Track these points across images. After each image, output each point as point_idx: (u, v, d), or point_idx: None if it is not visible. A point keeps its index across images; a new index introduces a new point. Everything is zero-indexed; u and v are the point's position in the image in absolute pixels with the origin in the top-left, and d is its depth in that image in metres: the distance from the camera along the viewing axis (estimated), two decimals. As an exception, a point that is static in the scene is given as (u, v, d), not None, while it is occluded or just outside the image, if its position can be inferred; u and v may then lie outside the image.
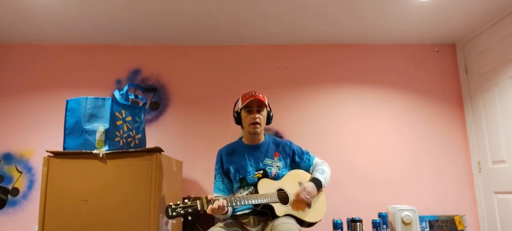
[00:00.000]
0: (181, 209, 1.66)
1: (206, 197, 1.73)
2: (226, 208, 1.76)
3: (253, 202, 1.83)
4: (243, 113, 2.04)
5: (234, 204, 1.78)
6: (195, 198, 1.73)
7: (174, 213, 1.65)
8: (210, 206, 1.70)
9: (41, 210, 2.04)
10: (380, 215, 2.37)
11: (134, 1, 2.47)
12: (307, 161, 2.13)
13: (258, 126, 2.00)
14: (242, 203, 1.80)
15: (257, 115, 2.00)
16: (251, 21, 2.77)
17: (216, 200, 1.73)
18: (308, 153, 2.16)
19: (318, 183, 1.98)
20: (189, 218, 1.68)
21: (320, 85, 3.13)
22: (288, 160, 2.09)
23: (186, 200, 1.70)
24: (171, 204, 1.67)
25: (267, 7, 2.58)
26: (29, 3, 2.48)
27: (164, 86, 3.09)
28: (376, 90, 3.13)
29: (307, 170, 2.12)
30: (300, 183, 1.99)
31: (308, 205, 1.97)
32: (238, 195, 1.95)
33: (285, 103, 3.09)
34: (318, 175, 2.03)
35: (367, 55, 3.19)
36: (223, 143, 2.21)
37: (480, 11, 2.66)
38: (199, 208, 1.69)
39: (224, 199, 1.75)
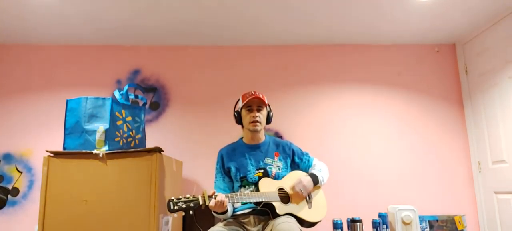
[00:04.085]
0: (183, 203, 1.67)
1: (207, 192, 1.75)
2: (227, 204, 1.77)
3: (254, 199, 1.83)
4: (244, 113, 2.06)
5: (235, 200, 1.79)
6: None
7: (176, 207, 1.66)
8: (211, 200, 1.71)
9: (41, 210, 2.04)
10: (380, 215, 2.37)
11: (134, 1, 2.47)
12: (306, 162, 2.15)
13: (258, 123, 2.02)
14: (243, 200, 1.82)
15: (257, 114, 2.03)
16: (251, 21, 2.77)
17: (217, 195, 1.74)
18: (308, 154, 2.18)
19: (314, 178, 2.01)
20: (190, 212, 1.68)
21: (320, 85, 3.13)
22: (289, 161, 2.10)
23: (187, 195, 1.71)
24: (172, 198, 1.68)
25: (267, 7, 2.58)
26: (29, 4, 2.48)
27: (164, 86, 3.09)
28: (376, 90, 3.13)
29: (306, 171, 2.14)
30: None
31: (309, 205, 1.97)
32: (239, 192, 1.96)
33: (285, 103, 3.08)
34: (314, 171, 2.06)
35: (367, 55, 3.19)
36: (223, 143, 2.21)
37: (480, 11, 2.66)
38: (200, 203, 1.70)
39: (225, 195, 1.76)
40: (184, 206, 1.67)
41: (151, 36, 2.99)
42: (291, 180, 2.01)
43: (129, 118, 2.30)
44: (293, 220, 1.83)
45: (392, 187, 2.96)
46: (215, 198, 1.72)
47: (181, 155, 2.92)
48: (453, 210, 2.91)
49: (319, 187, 2.08)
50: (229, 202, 1.78)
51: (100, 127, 2.11)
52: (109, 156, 2.08)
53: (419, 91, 3.13)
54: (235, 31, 2.93)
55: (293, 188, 1.93)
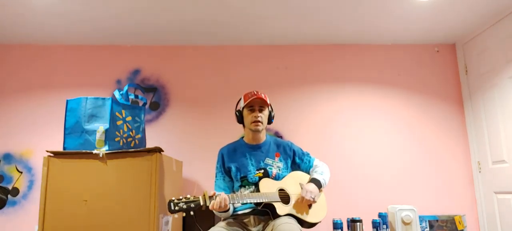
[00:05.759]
0: (183, 203, 1.66)
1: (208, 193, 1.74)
2: (228, 205, 1.76)
3: (255, 200, 1.83)
4: (245, 112, 2.06)
5: (235, 201, 1.79)
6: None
7: (176, 208, 1.65)
8: (212, 201, 1.71)
9: (41, 210, 2.04)
10: (380, 215, 2.37)
11: (135, 1, 2.47)
12: (307, 162, 2.14)
13: (259, 124, 2.01)
14: (244, 200, 1.81)
15: (259, 114, 2.02)
16: (251, 21, 2.77)
17: (218, 195, 1.73)
18: (308, 154, 2.18)
19: (317, 183, 2.00)
20: (191, 213, 1.67)
21: (320, 85, 3.13)
22: (289, 161, 2.10)
23: (188, 195, 1.70)
24: (173, 198, 1.67)
25: (267, 7, 2.58)
26: (29, 3, 2.47)
27: (164, 86, 3.09)
28: (376, 90, 3.13)
29: (307, 171, 2.13)
30: (301, 184, 1.99)
31: (309, 205, 1.97)
32: (239, 192, 1.95)
33: (285, 103, 3.08)
34: (316, 175, 2.05)
35: (367, 55, 3.19)
36: (223, 142, 2.21)
37: (480, 11, 2.66)
38: (201, 203, 1.69)
39: (226, 195, 1.75)
40: (184, 206, 1.66)
41: (151, 36, 2.99)
42: (292, 180, 2.01)
43: (129, 118, 2.29)
44: (294, 220, 1.83)
45: (392, 187, 2.96)
46: (215, 199, 1.71)
47: (181, 155, 2.92)
48: (453, 210, 2.91)
49: (322, 190, 2.07)
50: (230, 203, 1.78)
51: (100, 127, 2.11)
52: (109, 156, 2.08)
53: (419, 91, 3.14)
54: (235, 31, 2.93)
55: (302, 199, 1.91)
